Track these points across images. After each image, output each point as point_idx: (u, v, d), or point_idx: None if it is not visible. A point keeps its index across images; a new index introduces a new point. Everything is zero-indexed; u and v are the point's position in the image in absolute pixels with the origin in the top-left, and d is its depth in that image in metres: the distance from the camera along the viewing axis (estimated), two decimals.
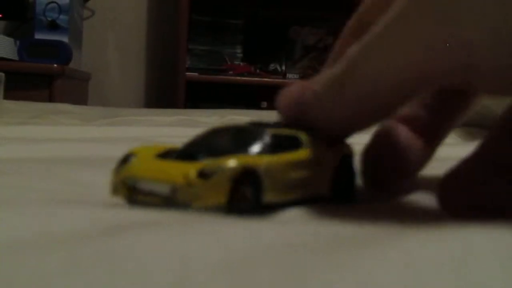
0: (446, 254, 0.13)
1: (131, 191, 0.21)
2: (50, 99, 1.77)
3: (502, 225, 0.16)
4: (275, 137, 0.23)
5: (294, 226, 0.16)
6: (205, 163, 0.21)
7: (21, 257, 0.13)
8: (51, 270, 0.12)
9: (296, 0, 2.14)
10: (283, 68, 2.14)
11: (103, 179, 0.29)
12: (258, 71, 2.09)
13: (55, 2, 1.94)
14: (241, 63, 2.11)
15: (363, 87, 0.22)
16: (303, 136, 0.24)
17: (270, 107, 2.08)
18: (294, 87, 0.25)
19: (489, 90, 0.22)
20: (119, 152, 0.44)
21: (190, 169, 0.20)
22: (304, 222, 0.17)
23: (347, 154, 0.25)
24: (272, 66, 2.14)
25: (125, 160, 0.22)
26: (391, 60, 0.21)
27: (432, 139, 0.27)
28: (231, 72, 2.07)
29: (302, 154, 0.23)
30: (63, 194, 0.24)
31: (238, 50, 2.14)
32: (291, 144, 0.23)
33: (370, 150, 0.27)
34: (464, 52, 0.19)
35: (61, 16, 1.95)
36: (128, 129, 0.68)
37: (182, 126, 0.80)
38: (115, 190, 0.22)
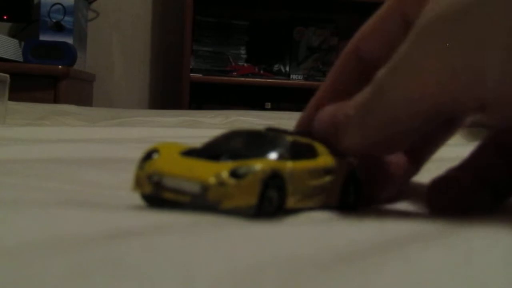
0: (448, 259, 0.13)
1: (156, 187, 0.21)
2: (55, 100, 1.78)
3: (503, 229, 0.16)
4: (294, 144, 0.23)
5: (300, 236, 0.16)
6: (236, 163, 0.21)
7: (26, 262, 0.13)
8: (55, 275, 0.12)
9: (300, 1, 2.14)
10: (287, 69, 2.14)
11: (109, 179, 0.29)
12: (262, 72, 2.09)
13: (60, 4, 1.94)
14: (245, 64, 2.11)
15: (387, 112, 0.22)
16: (318, 146, 0.24)
17: (274, 107, 2.08)
18: (330, 108, 0.25)
19: (497, 121, 0.23)
20: (125, 152, 0.44)
21: (222, 168, 0.20)
22: (309, 232, 0.17)
23: (354, 165, 0.26)
24: (276, 67, 2.14)
25: (149, 156, 0.22)
26: (409, 89, 0.21)
27: (417, 159, 0.28)
28: (235, 73, 2.07)
29: (319, 162, 0.23)
30: (69, 194, 0.24)
31: (242, 51, 2.14)
32: (308, 152, 0.23)
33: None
34: (476, 82, 0.20)
35: (66, 18, 1.95)
36: (133, 130, 0.68)
37: (186, 127, 0.80)
38: (138, 185, 0.22)
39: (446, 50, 0.20)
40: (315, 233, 0.16)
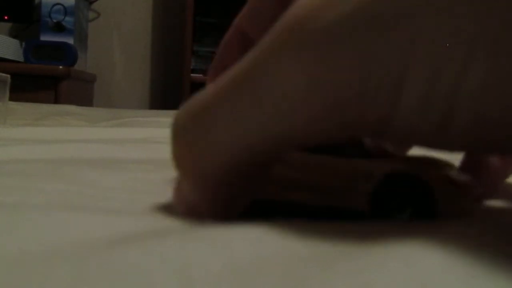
0: (446, 261, 0.13)
1: None
2: (56, 100, 1.78)
3: (502, 228, 0.16)
4: None
5: (300, 235, 0.16)
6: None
7: (27, 271, 0.13)
8: (56, 283, 0.12)
9: None
10: None
11: (109, 181, 0.29)
12: None
13: (60, 4, 1.94)
14: None
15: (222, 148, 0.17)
16: None
17: None
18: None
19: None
20: (125, 153, 0.44)
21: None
22: (310, 230, 0.16)
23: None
24: None
25: None
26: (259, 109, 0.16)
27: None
28: None
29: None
30: (70, 197, 0.24)
31: None
32: None
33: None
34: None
35: (67, 18, 1.95)
36: (134, 130, 0.68)
37: None
38: (471, 213, 0.21)
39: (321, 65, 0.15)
40: (316, 231, 0.16)
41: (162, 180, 0.30)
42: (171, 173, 0.33)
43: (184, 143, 0.17)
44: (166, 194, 0.25)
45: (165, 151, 0.47)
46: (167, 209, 0.21)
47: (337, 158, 0.20)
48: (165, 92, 2.31)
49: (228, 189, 0.18)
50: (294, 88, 0.15)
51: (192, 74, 2.00)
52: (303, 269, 0.13)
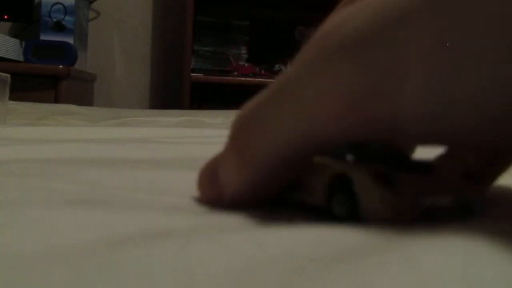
0: (448, 259, 0.13)
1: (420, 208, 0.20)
2: (56, 100, 1.78)
3: (502, 229, 0.16)
4: None
5: (300, 236, 0.16)
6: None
7: (26, 270, 0.13)
8: (55, 284, 0.12)
9: (301, 0, 2.14)
10: None
11: (110, 180, 0.29)
12: (263, 72, 2.09)
13: (60, 4, 1.94)
14: (246, 64, 2.11)
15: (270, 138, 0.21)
16: None
17: None
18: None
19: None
20: (126, 153, 0.44)
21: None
22: (309, 232, 0.16)
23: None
24: (277, 67, 2.14)
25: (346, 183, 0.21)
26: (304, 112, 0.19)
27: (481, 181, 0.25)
28: (236, 73, 2.07)
29: None
30: (70, 196, 0.24)
31: (243, 51, 2.14)
32: None
33: None
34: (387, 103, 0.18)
35: (67, 18, 1.95)
36: (134, 130, 0.68)
37: (188, 127, 0.80)
38: (399, 214, 0.20)
39: (353, 76, 0.18)
40: (315, 233, 0.16)
41: (162, 179, 0.30)
42: (172, 173, 0.33)
43: (246, 129, 0.21)
44: (167, 194, 0.25)
45: (165, 150, 0.47)
46: (168, 209, 0.21)
47: (326, 159, 0.21)
48: (165, 92, 2.31)
49: (270, 175, 0.21)
50: (316, 93, 0.19)
51: (192, 74, 2.00)
52: (304, 270, 0.13)
